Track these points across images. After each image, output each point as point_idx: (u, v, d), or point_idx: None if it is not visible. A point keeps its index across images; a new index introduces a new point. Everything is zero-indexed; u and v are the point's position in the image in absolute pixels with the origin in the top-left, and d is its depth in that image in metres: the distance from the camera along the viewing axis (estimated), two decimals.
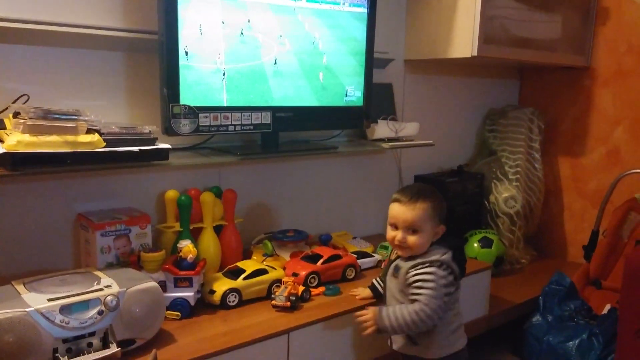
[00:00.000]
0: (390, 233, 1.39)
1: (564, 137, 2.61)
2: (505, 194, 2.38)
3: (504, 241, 2.34)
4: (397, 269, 1.38)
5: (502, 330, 2.09)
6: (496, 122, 2.57)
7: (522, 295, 2.12)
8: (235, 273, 1.54)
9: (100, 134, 1.29)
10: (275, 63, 1.64)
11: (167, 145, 1.40)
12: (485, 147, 2.61)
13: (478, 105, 2.62)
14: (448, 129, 2.50)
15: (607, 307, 2.02)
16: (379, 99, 2.09)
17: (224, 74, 1.54)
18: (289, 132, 1.86)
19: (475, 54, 1.98)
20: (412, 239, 1.35)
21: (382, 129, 1.96)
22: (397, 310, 1.32)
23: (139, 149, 1.33)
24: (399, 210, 1.37)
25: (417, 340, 1.39)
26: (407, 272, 1.34)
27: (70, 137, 1.23)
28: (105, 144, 1.29)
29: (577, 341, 1.89)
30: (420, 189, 1.40)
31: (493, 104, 2.67)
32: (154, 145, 1.37)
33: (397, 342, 1.43)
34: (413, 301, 1.32)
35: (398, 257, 1.42)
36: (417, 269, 1.33)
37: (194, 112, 1.48)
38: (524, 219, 2.47)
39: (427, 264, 1.33)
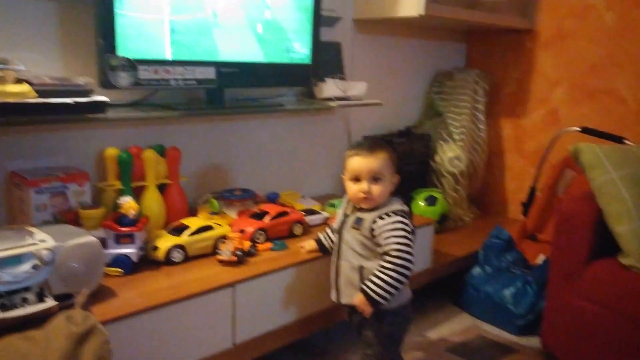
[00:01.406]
0: (353, 187, 1.39)
1: (507, 99, 2.69)
2: (450, 154, 2.44)
3: (448, 200, 2.42)
4: (358, 221, 1.38)
5: (444, 282, 2.18)
6: (443, 84, 2.62)
7: (464, 250, 2.20)
8: (179, 230, 1.53)
9: (31, 85, 1.23)
10: (220, 15, 1.60)
11: (104, 98, 1.35)
12: (432, 109, 2.66)
13: (426, 67, 2.65)
14: (396, 90, 2.53)
15: (542, 257, 2.13)
16: (327, 58, 2.08)
17: (167, 25, 1.49)
18: (235, 89, 1.84)
19: (422, 12, 2.00)
20: (376, 188, 1.37)
21: (330, 87, 1.96)
22: (376, 280, 1.32)
23: (74, 101, 1.28)
24: (361, 162, 1.38)
25: None
26: (373, 223, 1.35)
27: None
28: (36, 95, 1.23)
29: (512, 289, 2.00)
30: (374, 141, 1.44)
31: (440, 66, 2.71)
32: (89, 97, 1.32)
33: (346, 296, 1.43)
34: (383, 253, 1.33)
35: (357, 210, 1.41)
36: (384, 220, 1.34)
37: (132, 64, 1.44)
38: (467, 178, 2.55)
39: (392, 214, 1.35)
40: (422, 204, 2.28)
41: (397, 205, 1.38)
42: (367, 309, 1.34)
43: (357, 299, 1.35)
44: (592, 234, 1.63)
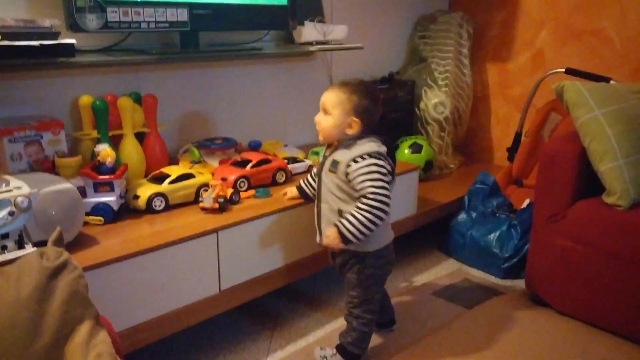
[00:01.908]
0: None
1: (492, 43, 2.64)
2: (434, 100, 2.42)
3: (433, 147, 2.40)
4: (334, 164, 1.36)
5: (430, 229, 2.19)
6: (427, 29, 2.56)
7: (449, 196, 2.21)
8: (160, 178, 1.51)
9: None
10: None
11: (72, 40, 1.29)
12: (416, 54, 2.61)
13: (409, 10, 2.59)
14: (379, 34, 2.47)
15: (527, 201, 2.15)
16: (305, 1, 2.01)
17: None
18: (210, 33, 1.78)
19: None
20: (323, 120, 1.38)
21: (309, 31, 1.91)
22: (351, 218, 1.31)
23: (40, 44, 1.22)
24: (323, 95, 1.39)
25: None
26: (347, 167, 1.32)
27: None
28: (0, 37, 1.17)
29: (497, 233, 2.02)
30: (349, 80, 1.39)
31: (424, 10, 2.64)
32: (56, 40, 1.26)
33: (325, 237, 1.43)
34: (359, 197, 1.32)
35: (333, 151, 1.39)
36: (358, 163, 1.32)
37: (100, 5, 1.37)
38: (452, 125, 2.53)
39: (366, 156, 1.32)
40: (407, 151, 2.26)
41: (373, 146, 1.34)
42: (336, 243, 1.33)
43: (329, 232, 1.34)
44: (575, 174, 1.64)
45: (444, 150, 2.51)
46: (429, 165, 2.32)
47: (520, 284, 1.91)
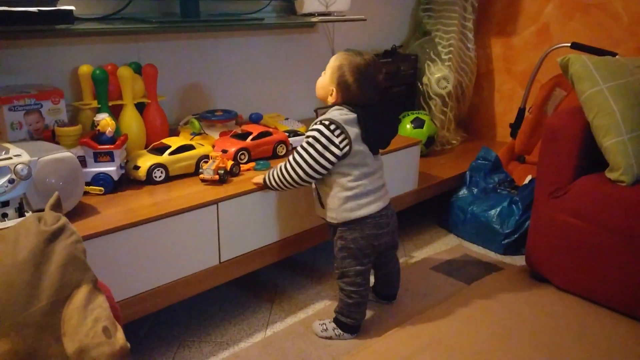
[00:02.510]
0: None
1: (497, 17, 2.60)
2: (437, 75, 2.39)
3: (435, 122, 2.39)
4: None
5: (430, 204, 2.19)
6: (431, 1, 2.52)
7: (450, 172, 2.20)
8: (160, 149, 1.50)
9: None
10: None
11: (70, 7, 1.27)
12: (419, 28, 2.57)
13: None
14: (382, 6, 2.43)
15: (529, 177, 2.14)
16: None
17: None
18: (211, 2, 1.75)
19: None
20: (320, 78, 1.44)
21: (311, 2, 1.87)
22: (275, 167, 1.41)
23: (38, 9, 1.20)
24: None
25: (323, 202, 1.44)
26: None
27: None
28: None
29: (498, 209, 2.01)
30: (360, 52, 1.40)
31: None
32: (54, 6, 1.24)
33: (316, 207, 1.49)
34: None
35: None
36: (310, 127, 1.38)
37: None
38: (455, 100, 2.51)
39: (317, 122, 1.36)
40: (408, 126, 2.25)
41: (334, 114, 1.36)
42: (258, 185, 1.45)
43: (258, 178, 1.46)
44: (578, 149, 1.62)
45: (446, 125, 2.50)
46: (430, 141, 2.31)
47: (520, 260, 1.91)
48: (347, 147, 1.34)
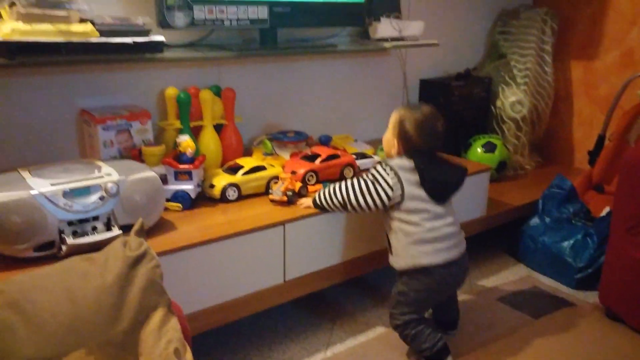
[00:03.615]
0: None
1: (578, 39, 2.51)
2: (512, 98, 2.34)
3: (508, 146, 2.33)
4: None
5: (500, 232, 2.14)
6: (508, 24, 2.47)
7: (522, 199, 2.14)
8: (234, 169, 1.58)
9: (94, 24, 1.28)
10: None
11: (161, 38, 1.38)
12: (495, 50, 2.53)
13: (489, 5, 2.51)
14: (456, 30, 2.42)
15: (606, 209, 2.04)
16: None
17: None
18: (288, 29, 1.82)
19: None
20: (385, 133, 1.51)
21: (384, 27, 1.90)
22: (329, 186, 1.47)
23: (133, 41, 1.32)
24: None
25: (391, 249, 1.47)
26: None
27: (63, 26, 1.23)
28: (99, 34, 1.28)
29: (571, 241, 1.93)
30: (417, 105, 1.49)
31: (506, 4, 2.55)
32: (147, 37, 1.36)
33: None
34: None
35: None
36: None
37: (188, 4, 1.45)
38: (530, 124, 2.44)
39: (377, 164, 1.45)
40: (479, 150, 2.21)
41: (394, 161, 1.43)
42: (311, 204, 1.50)
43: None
44: None
45: (520, 150, 2.43)
46: (502, 166, 2.26)
47: (594, 296, 1.82)
48: (399, 191, 1.39)
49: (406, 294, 1.43)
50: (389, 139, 1.48)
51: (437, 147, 1.46)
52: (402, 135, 1.43)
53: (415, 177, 1.40)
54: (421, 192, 1.40)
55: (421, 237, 1.40)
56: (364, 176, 1.44)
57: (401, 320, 1.43)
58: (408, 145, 1.43)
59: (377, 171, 1.42)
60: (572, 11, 2.50)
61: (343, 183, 1.45)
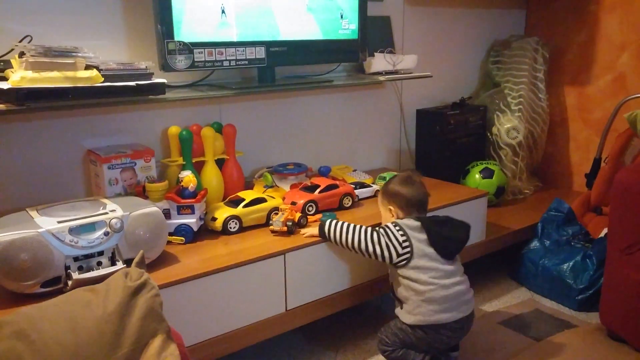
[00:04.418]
0: None
1: (570, 66, 2.57)
2: (507, 125, 2.39)
3: (505, 172, 2.37)
4: None
5: (501, 255, 2.16)
6: (500, 54, 2.55)
7: (521, 223, 2.17)
8: (235, 202, 1.63)
9: (99, 70, 1.36)
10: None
11: (163, 80, 1.46)
12: (489, 80, 2.60)
13: (482, 37, 2.59)
14: (450, 61, 2.50)
15: (605, 230, 2.06)
16: (376, 33, 2.10)
17: (222, 10, 1.58)
18: (286, 67, 1.91)
19: None
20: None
21: (379, 62, 1.98)
22: (343, 222, 1.52)
23: (136, 84, 1.40)
24: None
25: (400, 304, 1.49)
26: None
27: (69, 73, 1.31)
28: (103, 79, 1.36)
29: (571, 263, 1.95)
30: (393, 177, 1.59)
31: (498, 35, 2.64)
32: (150, 80, 1.44)
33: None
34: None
35: None
36: None
37: (188, 48, 1.54)
38: (527, 149, 2.48)
39: (389, 223, 1.51)
40: (477, 176, 2.26)
41: (402, 221, 1.49)
42: (315, 233, 1.54)
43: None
44: None
45: (518, 175, 2.47)
46: (500, 191, 2.30)
47: (596, 317, 1.83)
48: (409, 248, 1.43)
49: (408, 335, 1.46)
50: (384, 212, 1.56)
51: (426, 201, 1.54)
52: (395, 198, 1.52)
53: (423, 236, 1.45)
54: (430, 250, 1.44)
55: (432, 295, 1.41)
56: (377, 228, 1.49)
57: (391, 350, 1.48)
58: (405, 203, 1.51)
59: (389, 229, 1.47)
60: (563, 40, 2.57)
61: (357, 226, 1.50)
